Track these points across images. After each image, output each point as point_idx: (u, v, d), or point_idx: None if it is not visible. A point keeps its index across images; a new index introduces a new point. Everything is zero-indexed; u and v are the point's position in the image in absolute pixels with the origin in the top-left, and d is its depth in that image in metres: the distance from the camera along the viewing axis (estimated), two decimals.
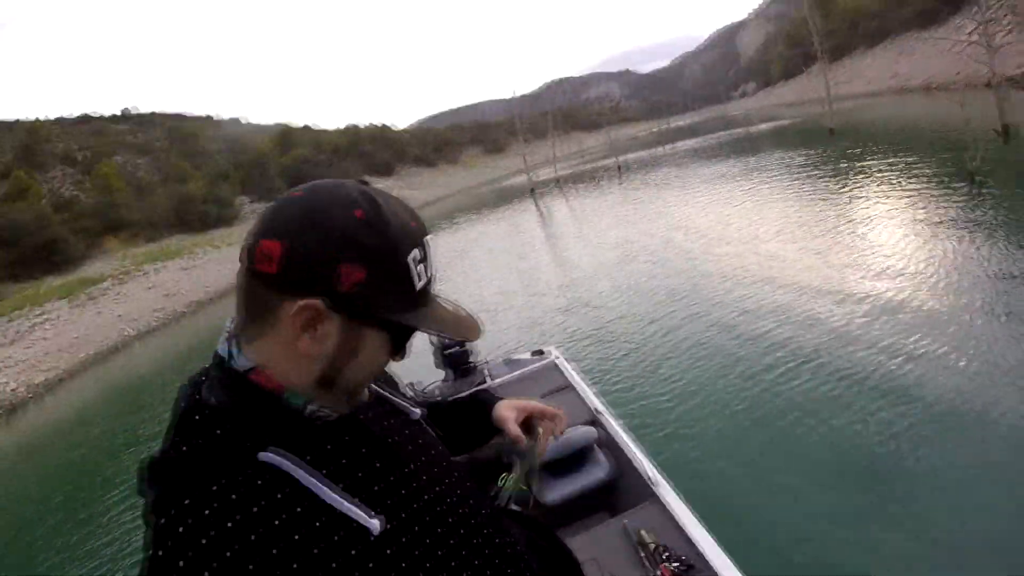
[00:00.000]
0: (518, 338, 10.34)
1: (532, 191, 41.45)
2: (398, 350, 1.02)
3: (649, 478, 3.38)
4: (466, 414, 1.54)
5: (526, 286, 14.74)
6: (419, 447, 1.15)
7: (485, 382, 5.23)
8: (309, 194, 0.91)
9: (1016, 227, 9.51)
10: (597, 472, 3.70)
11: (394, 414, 1.18)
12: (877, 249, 10.27)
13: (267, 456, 0.86)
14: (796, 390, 6.36)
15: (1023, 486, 4.30)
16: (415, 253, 0.93)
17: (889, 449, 5.06)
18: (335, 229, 0.87)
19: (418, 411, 1.22)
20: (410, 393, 1.40)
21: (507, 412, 1.47)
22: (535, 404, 1.52)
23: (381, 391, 1.19)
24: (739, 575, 2.65)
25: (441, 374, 5.96)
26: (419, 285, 0.94)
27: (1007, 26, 34.78)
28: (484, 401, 1.54)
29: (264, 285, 0.89)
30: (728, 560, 2.73)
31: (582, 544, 2.97)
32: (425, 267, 0.96)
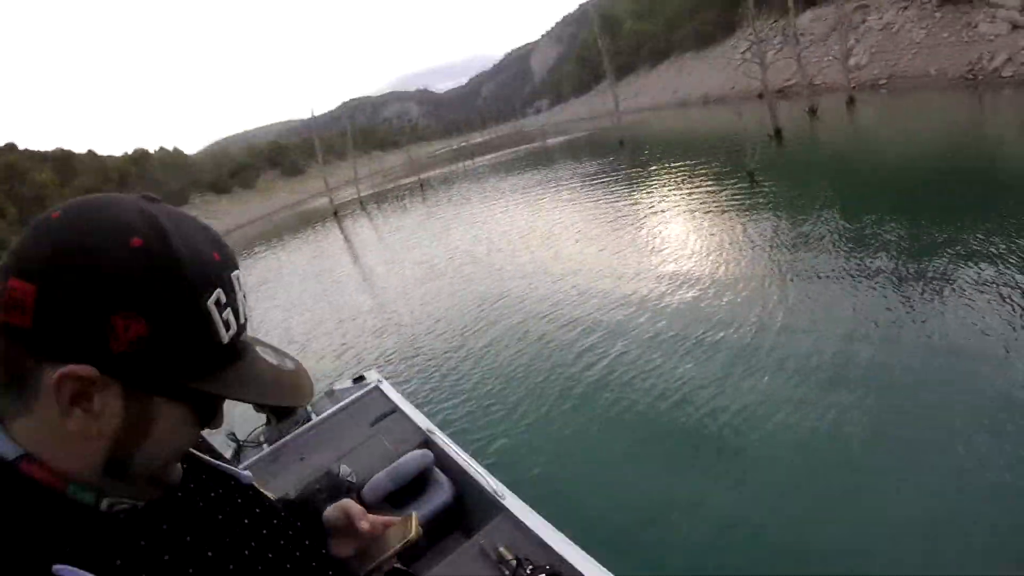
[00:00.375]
0: (336, 367, 9.96)
1: (335, 213, 40.35)
2: (207, 421, 0.77)
3: (494, 492, 3.33)
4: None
5: (336, 311, 14.25)
6: (257, 519, 0.93)
7: (310, 419, 4.88)
8: (71, 216, 0.65)
9: (787, 210, 11.87)
10: (440, 495, 3.64)
11: (219, 482, 0.93)
12: (672, 241, 11.76)
13: (61, 571, 0.62)
14: (613, 382, 6.75)
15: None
16: (218, 295, 0.70)
17: (703, 425, 5.56)
18: (104, 266, 0.63)
19: (248, 474, 0.98)
20: (231, 447, 1.08)
21: (342, 512, 1.13)
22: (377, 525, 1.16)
23: (199, 456, 0.94)
24: (603, 571, 2.69)
25: (261, 418, 5.46)
26: (225, 337, 0.71)
27: (776, 45, 38.96)
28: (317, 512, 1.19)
29: (17, 343, 0.64)
30: (589, 558, 2.77)
31: (442, 572, 2.89)
32: (234, 312, 0.72)
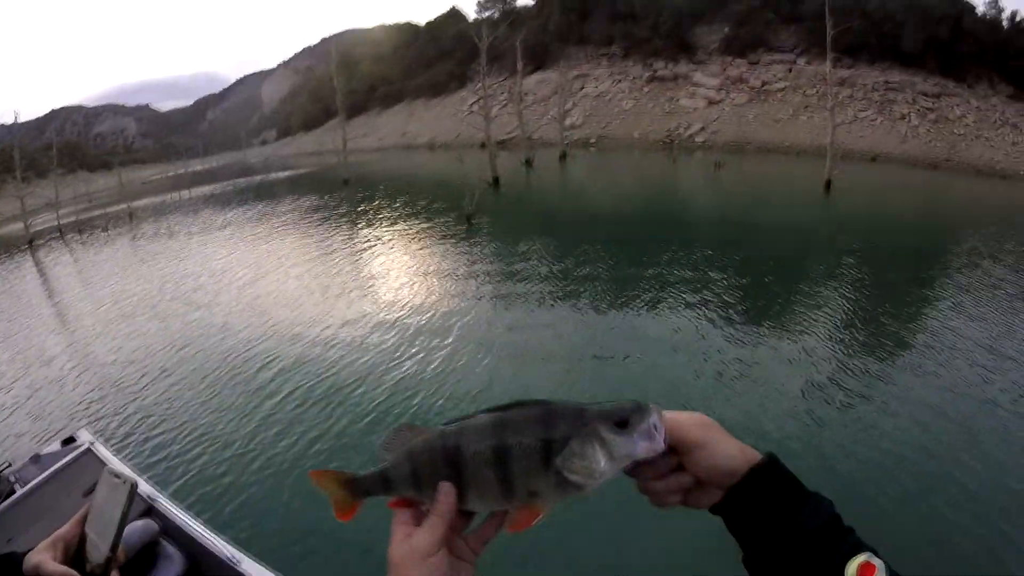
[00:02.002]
0: (40, 428, 8.66)
1: (30, 243, 34.39)
2: None
3: (230, 559, 3.20)
4: None
5: (28, 367, 11.85)
6: None
7: (14, 491, 4.26)
8: None
9: (498, 247, 13.77)
10: (170, 569, 3.31)
11: None
12: (379, 274, 12.91)
13: None
14: (335, 412, 7.20)
15: None
16: None
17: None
18: None
19: None
20: None
21: (41, 555, 1.15)
22: (69, 526, 1.23)
23: None
24: None
25: None
26: None
27: (502, 101, 41.74)
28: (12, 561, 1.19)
29: None
30: None
31: None
32: None
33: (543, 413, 0.83)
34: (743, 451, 0.84)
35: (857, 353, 8.35)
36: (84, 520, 1.23)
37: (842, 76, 38.08)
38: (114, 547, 1.17)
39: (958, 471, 5.76)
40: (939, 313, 9.87)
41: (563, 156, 31.50)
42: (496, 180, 23.73)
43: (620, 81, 41.97)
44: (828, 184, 22.77)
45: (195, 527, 3.50)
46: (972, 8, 44.07)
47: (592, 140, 36.97)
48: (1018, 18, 44.87)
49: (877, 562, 0.74)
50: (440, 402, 7.24)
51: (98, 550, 1.19)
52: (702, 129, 36.11)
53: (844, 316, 9.78)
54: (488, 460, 0.83)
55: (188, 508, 3.87)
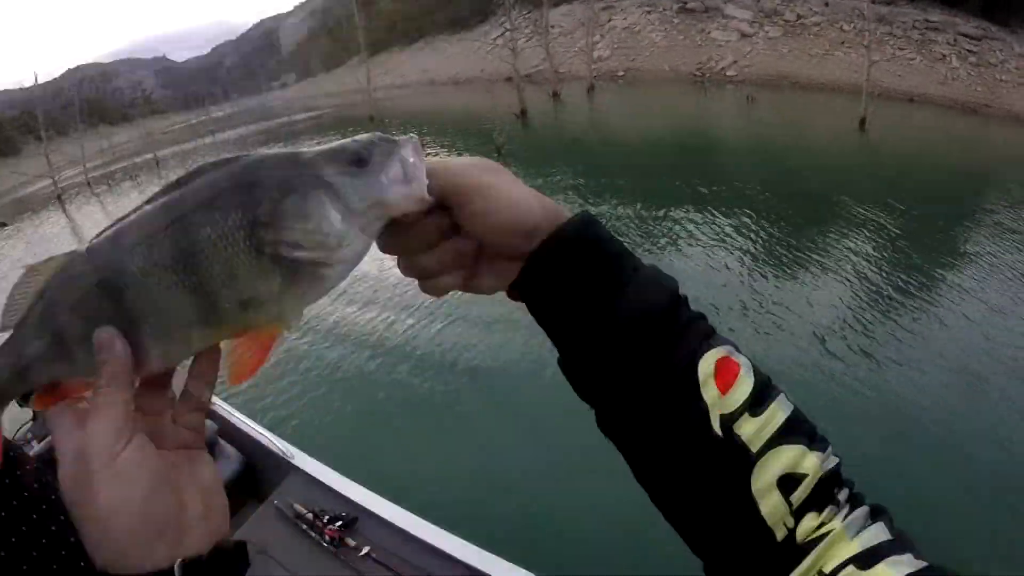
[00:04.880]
0: None
1: (59, 198, 34.93)
2: None
3: (283, 452, 3.31)
4: None
5: None
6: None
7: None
8: None
9: (528, 179, 13.66)
10: (228, 465, 3.46)
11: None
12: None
13: None
14: (386, 352, 7.31)
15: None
16: None
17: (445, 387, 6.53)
18: None
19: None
20: None
21: None
22: None
23: None
24: (401, 511, 2.84)
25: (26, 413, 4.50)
26: None
27: (527, 34, 40.77)
28: None
29: None
30: (382, 500, 2.90)
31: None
32: None
33: (239, 172, 0.55)
34: (544, 204, 0.62)
35: (887, 297, 8.22)
36: None
37: (880, 12, 36.07)
38: None
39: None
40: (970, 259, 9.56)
41: (591, 89, 31.03)
42: (524, 112, 23.47)
43: (649, 13, 40.65)
44: (863, 122, 22.06)
45: (250, 425, 3.71)
46: None
47: (620, 73, 36.26)
48: None
49: (740, 358, 0.60)
50: None
51: None
52: (734, 63, 35.05)
53: (873, 256, 9.67)
54: (163, 268, 0.53)
55: (242, 410, 4.05)
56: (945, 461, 5.16)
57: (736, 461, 0.56)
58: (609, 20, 41.54)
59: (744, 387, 0.57)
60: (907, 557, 0.52)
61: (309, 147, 0.58)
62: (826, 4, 39.47)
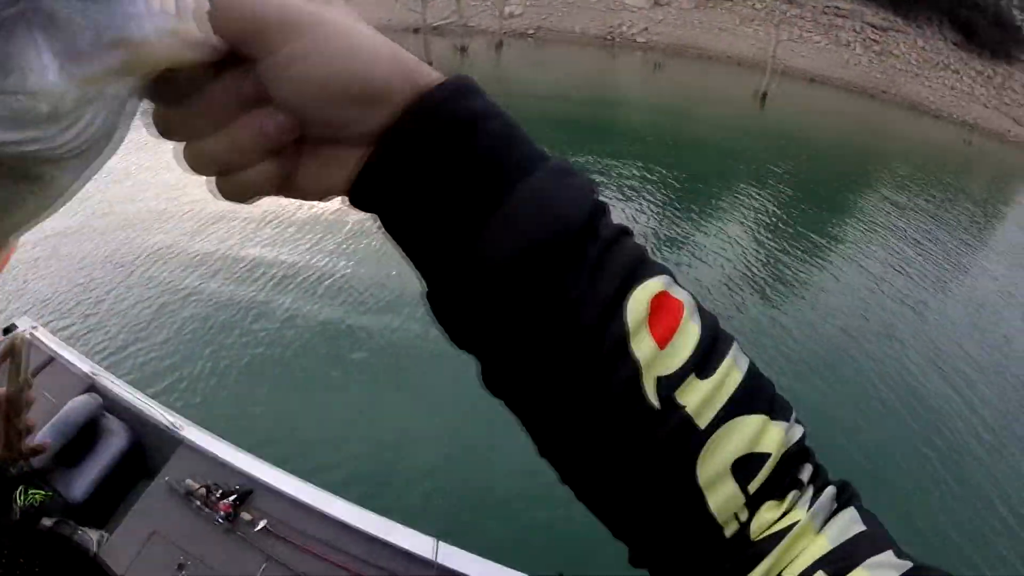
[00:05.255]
0: None
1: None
2: None
3: (172, 425, 3.14)
4: None
5: None
6: None
7: None
8: None
9: None
10: (116, 442, 3.21)
11: None
12: None
13: None
14: (271, 314, 6.90)
15: None
16: None
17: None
18: None
19: None
20: None
21: None
22: None
23: None
24: (296, 481, 2.79)
25: None
26: None
27: None
28: None
29: None
30: (281, 472, 2.82)
31: (134, 524, 2.68)
32: None
33: None
34: (396, 56, 0.41)
35: (780, 251, 9.27)
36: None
37: None
38: None
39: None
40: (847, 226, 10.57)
41: (499, 45, 30.57)
42: (429, 64, 23.22)
43: None
44: (764, 97, 22.98)
45: (138, 399, 3.48)
46: None
47: (531, 31, 35.98)
48: None
49: (681, 293, 0.43)
50: None
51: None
52: (644, 30, 35.53)
53: (762, 219, 10.70)
54: None
55: (132, 384, 3.82)
56: (821, 401, 6.01)
57: (678, 439, 0.41)
58: None
59: (689, 336, 0.41)
60: (887, 557, 0.40)
61: None
62: None
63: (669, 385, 0.40)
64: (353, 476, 4.43)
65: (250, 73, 0.38)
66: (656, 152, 13.69)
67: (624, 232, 0.42)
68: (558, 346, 0.40)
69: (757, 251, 8.99)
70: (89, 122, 0.34)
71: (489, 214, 0.39)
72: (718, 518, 0.41)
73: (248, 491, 2.69)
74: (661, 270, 0.43)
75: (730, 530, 0.41)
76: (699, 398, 0.40)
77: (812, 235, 10.12)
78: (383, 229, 0.43)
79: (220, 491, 2.66)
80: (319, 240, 8.12)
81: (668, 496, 0.41)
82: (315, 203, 0.44)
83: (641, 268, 0.42)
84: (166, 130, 0.39)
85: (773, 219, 10.42)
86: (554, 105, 17.27)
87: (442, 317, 0.43)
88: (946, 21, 42.02)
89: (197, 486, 2.68)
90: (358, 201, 0.42)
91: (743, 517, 0.41)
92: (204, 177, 0.41)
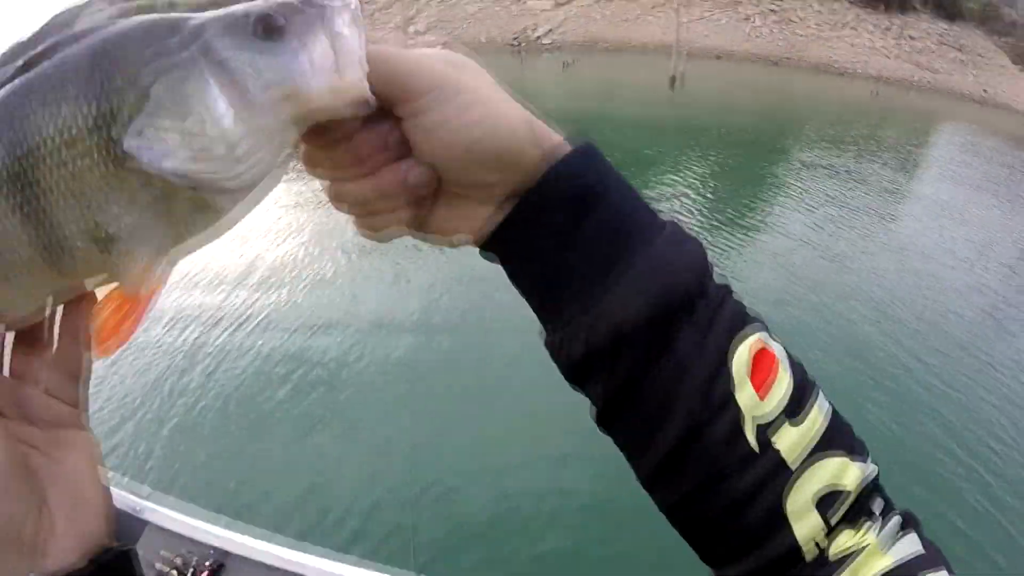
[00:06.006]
0: None
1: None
2: None
3: (135, 507, 2.96)
4: None
5: None
6: None
7: None
8: None
9: None
10: None
11: None
12: None
13: None
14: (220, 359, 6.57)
15: None
16: None
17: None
18: None
19: None
20: None
21: None
22: None
23: None
24: (272, 546, 2.67)
25: None
26: None
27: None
28: None
29: None
30: (253, 538, 2.72)
31: None
32: None
33: (98, 47, 0.39)
34: (532, 124, 0.47)
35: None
36: None
37: None
38: None
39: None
40: (769, 192, 10.96)
41: None
42: None
43: None
44: (673, 80, 23.49)
45: None
46: None
47: (439, 47, 36.26)
48: None
49: (775, 345, 0.50)
50: None
51: None
52: (550, 31, 36.19)
53: (683, 194, 11.14)
54: None
55: None
56: None
57: (772, 477, 0.47)
58: None
59: (782, 386, 0.47)
60: (942, 574, 0.46)
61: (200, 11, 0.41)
62: None
63: (766, 430, 0.46)
64: (330, 524, 4.40)
65: (397, 128, 0.44)
66: None
67: (728, 290, 0.50)
68: (671, 396, 0.47)
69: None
70: (257, 161, 0.40)
71: (616, 279, 0.45)
72: (802, 545, 0.47)
73: (220, 565, 2.61)
74: (758, 323, 0.50)
75: (810, 555, 0.47)
76: (790, 441, 0.47)
77: (730, 210, 10.50)
78: (509, 277, 0.51)
79: (195, 560, 2.59)
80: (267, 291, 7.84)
81: (759, 525, 0.48)
82: (443, 244, 0.51)
83: (742, 324, 0.49)
84: (313, 167, 0.46)
85: (689, 200, 10.68)
86: None
87: (562, 363, 0.50)
88: None
89: (167, 567, 2.60)
90: (488, 249, 0.50)
91: (823, 544, 0.47)
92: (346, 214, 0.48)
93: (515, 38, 35.84)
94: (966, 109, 31.70)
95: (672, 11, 27.67)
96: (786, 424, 0.46)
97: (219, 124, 0.38)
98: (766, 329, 0.49)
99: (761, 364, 0.47)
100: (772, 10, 39.75)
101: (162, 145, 0.38)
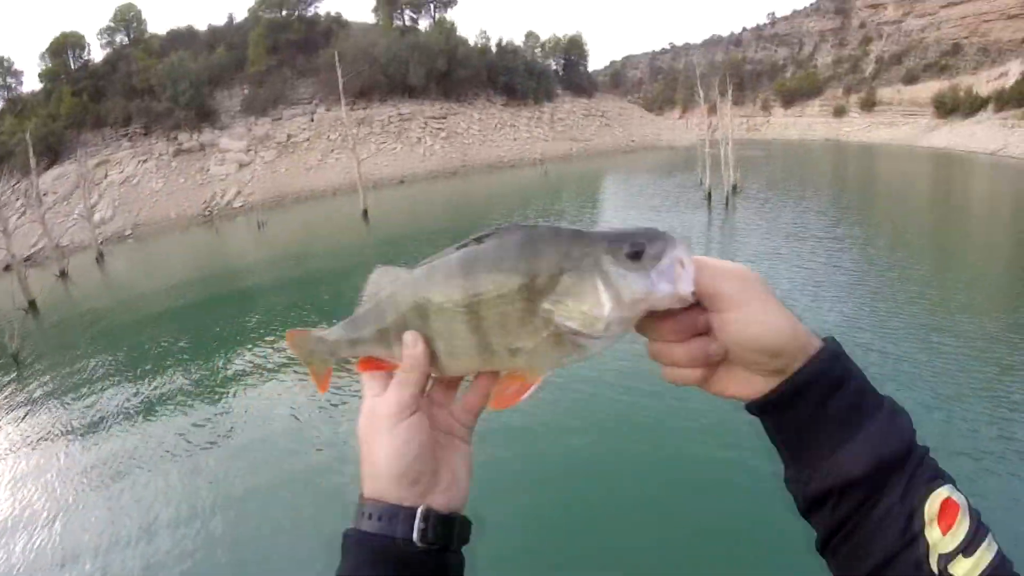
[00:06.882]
0: None
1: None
2: None
3: None
4: None
5: None
6: None
7: None
8: None
9: (63, 387, 10.82)
10: None
11: None
12: None
13: None
14: None
15: None
16: None
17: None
18: None
19: None
20: None
21: None
22: None
23: None
24: None
25: None
26: None
27: (19, 208, 35.85)
28: None
29: None
30: None
31: None
32: None
33: (526, 240, 0.63)
34: (795, 328, 0.62)
35: None
36: None
37: (359, 116, 42.07)
38: None
39: None
40: None
41: (100, 256, 28.42)
42: (33, 303, 19.99)
43: (146, 161, 39.56)
44: (365, 213, 25.03)
45: None
46: (465, 41, 52.86)
47: (127, 232, 34.30)
48: (504, 42, 56.19)
49: (959, 498, 0.60)
50: None
51: None
52: (238, 193, 36.49)
53: None
54: (454, 306, 0.65)
55: None
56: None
57: None
58: (105, 176, 38.96)
59: (962, 528, 0.58)
60: None
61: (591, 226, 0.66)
62: (311, 120, 43.79)
63: (946, 560, 0.57)
64: None
65: (703, 316, 0.62)
66: (274, 299, 15.13)
67: (926, 450, 0.62)
68: (884, 527, 0.60)
69: None
70: (616, 329, 0.61)
71: (851, 439, 0.61)
72: None
73: None
74: (947, 479, 0.61)
75: None
76: (964, 570, 0.56)
77: None
78: (767, 432, 0.67)
79: None
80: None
81: None
82: (720, 396, 0.68)
83: (935, 479, 0.60)
84: (643, 331, 0.65)
85: None
86: (163, 301, 16.44)
87: (798, 495, 0.65)
88: (492, 90, 50.77)
89: None
90: (755, 410, 0.66)
91: None
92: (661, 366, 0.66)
93: (205, 207, 35.69)
94: (620, 158, 40.26)
95: (349, 150, 29.24)
96: (961, 557, 0.57)
97: (602, 311, 0.59)
98: (953, 482, 0.62)
99: (947, 511, 0.59)
100: (438, 128, 44.56)
101: (566, 312, 0.60)
